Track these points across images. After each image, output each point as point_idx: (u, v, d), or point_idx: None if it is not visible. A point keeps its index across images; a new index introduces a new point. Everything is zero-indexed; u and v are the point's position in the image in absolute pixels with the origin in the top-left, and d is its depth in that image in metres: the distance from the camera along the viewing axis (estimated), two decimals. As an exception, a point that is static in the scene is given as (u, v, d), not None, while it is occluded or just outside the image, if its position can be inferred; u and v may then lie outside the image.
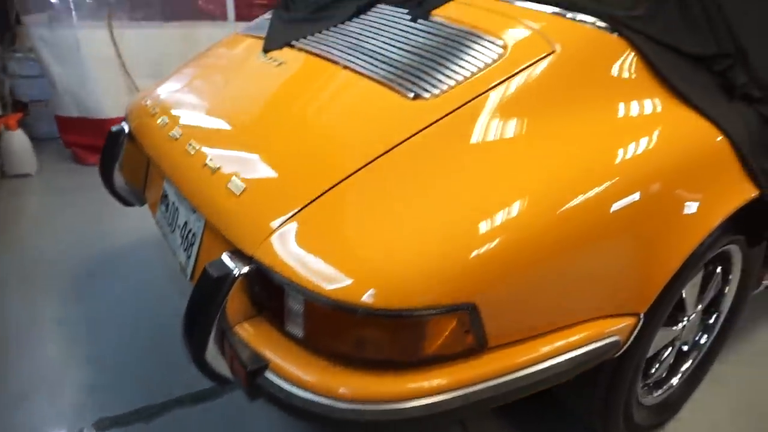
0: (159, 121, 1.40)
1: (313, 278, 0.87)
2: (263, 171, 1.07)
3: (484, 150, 1.01)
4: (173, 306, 1.85)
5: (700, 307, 1.43)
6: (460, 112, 1.04)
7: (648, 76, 1.15)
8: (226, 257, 0.98)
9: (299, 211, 0.96)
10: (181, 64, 1.72)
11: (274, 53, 1.42)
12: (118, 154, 1.63)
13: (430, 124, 1.03)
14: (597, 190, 0.97)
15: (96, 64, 2.82)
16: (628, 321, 1.09)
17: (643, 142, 1.06)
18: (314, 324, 0.91)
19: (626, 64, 1.14)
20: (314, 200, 0.97)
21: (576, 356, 1.02)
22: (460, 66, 1.12)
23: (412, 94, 1.09)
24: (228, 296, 0.96)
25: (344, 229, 0.93)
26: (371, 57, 1.24)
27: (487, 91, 1.06)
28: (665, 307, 1.20)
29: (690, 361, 1.55)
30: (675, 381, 1.52)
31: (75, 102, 2.89)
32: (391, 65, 1.19)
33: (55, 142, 3.17)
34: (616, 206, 0.99)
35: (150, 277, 2.08)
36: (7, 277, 2.05)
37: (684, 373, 1.54)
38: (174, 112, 1.39)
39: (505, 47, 1.13)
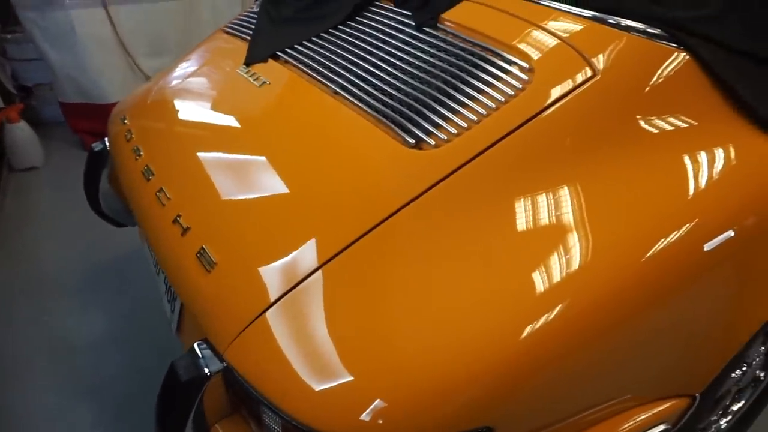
0: (133, 149, 1.23)
1: (292, 401, 0.72)
2: (238, 241, 0.90)
3: (509, 219, 0.81)
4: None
5: (763, 348, 1.23)
6: (474, 166, 0.83)
7: (717, 95, 0.92)
8: (197, 349, 0.83)
9: (275, 302, 0.79)
10: (163, 71, 1.52)
11: (258, 67, 1.21)
12: (100, 176, 1.48)
13: (435, 184, 0.83)
14: (675, 239, 0.78)
15: (93, 45, 2.63)
16: (681, 404, 0.92)
17: (720, 178, 0.85)
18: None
19: (690, 83, 0.91)
20: (291, 290, 0.80)
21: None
22: (472, 98, 0.90)
23: (412, 141, 0.88)
24: (198, 400, 0.82)
25: (333, 332, 0.76)
26: (365, 83, 1.03)
27: (508, 135, 0.85)
28: (727, 378, 1.02)
29: (744, 401, 1.36)
30: (724, 423, 1.35)
31: (76, 87, 2.74)
32: (387, 96, 0.97)
33: (63, 126, 3.05)
34: (706, 248, 0.81)
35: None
36: (11, 289, 1.98)
37: (736, 413, 1.36)
38: (146, 141, 1.22)
39: (531, 70, 0.90)
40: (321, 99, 1.04)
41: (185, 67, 1.43)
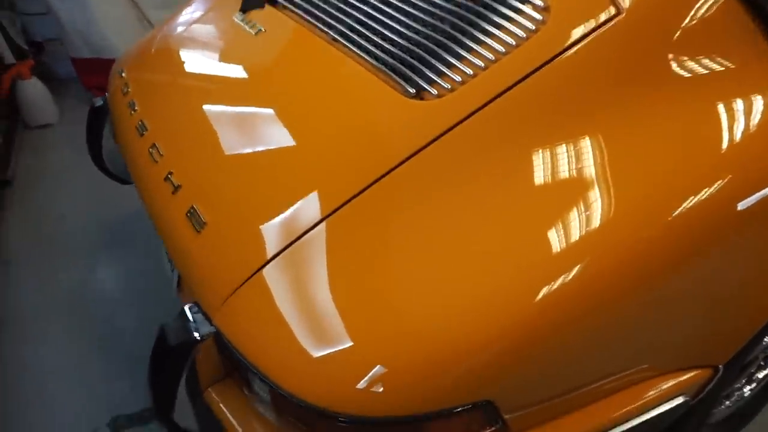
0: (128, 103, 1.18)
1: (282, 369, 0.68)
2: (230, 199, 0.85)
3: (520, 174, 0.74)
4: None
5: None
6: (480, 117, 0.76)
7: (760, 36, 0.81)
8: (188, 313, 0.80)
9: (265, 265, 0.74)
10: (163, 21, 1.45)
11: (254, 14, 1.13)
12: (102, 132, 1.44)
13: (438, 137, 0.76)
14: (706, 196, 0.71)
15: (101, -2, 2.56)
16: (703, 374, 0.85)
17: (758, 131, 0.76)
18: (287, 415, 0.73)
19: (729, 22, 0.80)
20: (283, 251, 0.75)
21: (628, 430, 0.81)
22: (480, 42, 0.81)
23: (412, 90, 0.81)
24: (189, 364, 0.79)
25: (327, 296, 0.71)
26: (366, 28, 0.94)
27: (519, 82, 0.76)
28: (754, 347, 0.94)
29: (770, 368, 1.29)
30: (747, 391, 1.28)
31: (85, 42, 2.67)
32: (389, 41, 0.89)
33: (77, 82, 3.01)
34: (740, 207, 0.74)
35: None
36: (27, 245, 2.00)
37: (761, 381, 1.29)
38: (141, 95, 1.16)
39: (546, 9, 0.81)
40: (318, 47, 0.96)
41: (184, 18, 1.36)
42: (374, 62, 0.87)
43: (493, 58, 0.79)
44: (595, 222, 0.69)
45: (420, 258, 0.70)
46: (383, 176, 0.75)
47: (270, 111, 0.93)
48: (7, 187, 2.28)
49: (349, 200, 0.75)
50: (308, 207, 0.77)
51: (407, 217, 0.73)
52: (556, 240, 0.68)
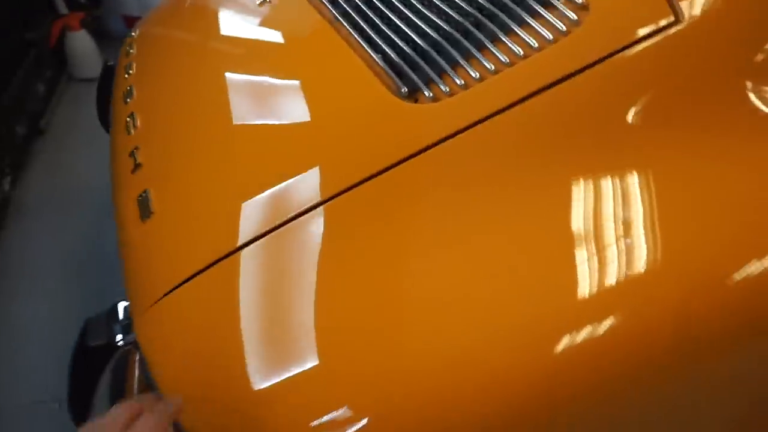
0: (126, 66, 1.10)
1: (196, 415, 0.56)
2: (184, 190, 0.74)
3: (537, 200, 0.59)
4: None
5: None
6: (479, 132, 0.61)
7: None
8: (120, 311, 0.71)
9: (200, 272, 0.63)
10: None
11: (266, -18, 1.01)
12: (110, 92, 1.37)
13: (423, 150, 0.62)
14: None
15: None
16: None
17: None
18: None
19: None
20: (225, 257, 0.63)
21: None
22: (496, 39, 0.67)
23: (404, 89, 0.67)
24: (111, 367, 0.70)
25: (268, 323, 0.58)
26: (372, 10, 0.80)
27: (537, 92, 0.61)
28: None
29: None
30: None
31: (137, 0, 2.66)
32: (394, 30, 0.75)
33: (129, 41, 3.02)
34: None
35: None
36: (46, 198, 1.99)
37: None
38: (138, 58, 1.08)
39: (585, 8, 0.65)
40: (318, 27, 0.83)
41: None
42: (372, 52, 0.73)
43: (509, 60, 0.64)
44: (632, 272, 0.53)
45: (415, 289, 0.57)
46: (351, 188, 0.62)
47: (253, 94, 0.81)
48: (40, 136, 2.29)
49: (307, 211, 0.62)
50: (260, 212, 0.65)
51: (391, 234, 0.60)
52: (574, 290, 0.54)
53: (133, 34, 1.24)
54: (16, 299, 1.62)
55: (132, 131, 0.88)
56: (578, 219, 0.57)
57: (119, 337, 0.67)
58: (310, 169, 0.64)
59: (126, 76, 1.05)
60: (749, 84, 0.61)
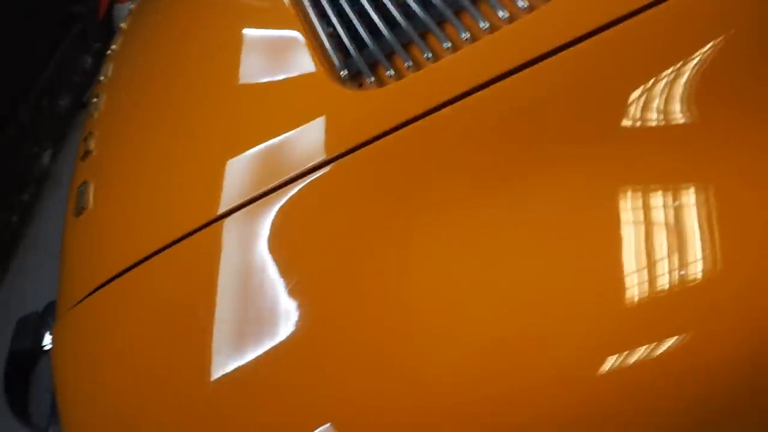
0: (113, 44, 1.05)
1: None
2: (123, 185, 0.67)
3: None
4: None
5: None
6: (434, 120, 0.49)
7: None
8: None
9: (119, 275, 0.56)
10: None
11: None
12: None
13: (363, 144, 0.51)
14: None
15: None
16: None
17: None
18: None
19: None
20: (145, 260, 0.56)
21: None
22: (462, 6, 0.54)
23: (344, 72, 0.56)
24: (36, 370, 0.65)
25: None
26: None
27: (491, 82, 0.48)
28: None
29: None
30: None
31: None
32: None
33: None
34: None
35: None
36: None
37: None
38: (123, 38, 1.02)
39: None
40: (276, 5, 0.72)
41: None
42: (318, 25, 0.62)
43: (467, 36, 0.51)
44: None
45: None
46: (274, 189, 0.52)
47: (204, 80, 0.72)
48: (82, 109, 2.34)
49: (222, 217, 0.54)
50: (186, 211, 0.57)
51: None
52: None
53: (130, 7, 1.19)
54: (50, 272, 1.67)
55: (94, 114, 0.83)
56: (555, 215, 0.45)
57: (48, 339, 0.63)
58: (223, 170, 0.55)
59: (110, 52, 1.00)
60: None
